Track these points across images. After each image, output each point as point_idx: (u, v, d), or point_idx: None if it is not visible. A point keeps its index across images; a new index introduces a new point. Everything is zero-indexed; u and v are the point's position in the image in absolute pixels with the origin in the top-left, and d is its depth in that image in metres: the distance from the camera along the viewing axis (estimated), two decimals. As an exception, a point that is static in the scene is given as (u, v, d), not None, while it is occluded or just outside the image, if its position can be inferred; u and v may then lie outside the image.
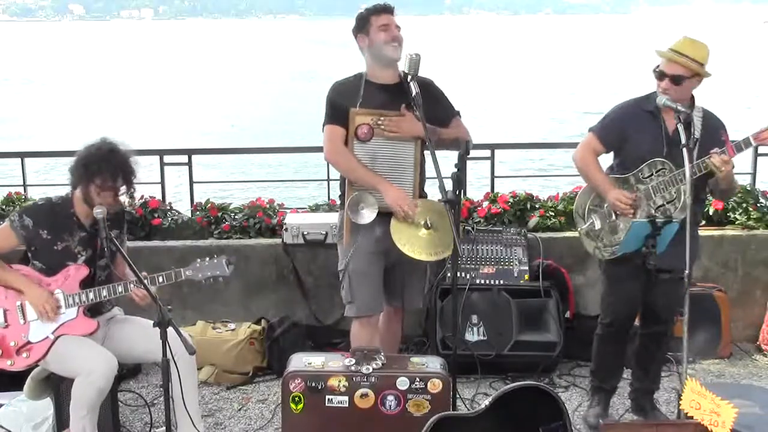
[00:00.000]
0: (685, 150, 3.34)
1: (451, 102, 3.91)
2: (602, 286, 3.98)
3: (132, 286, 3.48)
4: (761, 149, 5.46)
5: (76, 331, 3.50)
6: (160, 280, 3.48)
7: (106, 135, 3.58)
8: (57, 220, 3.53)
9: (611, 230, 3.80)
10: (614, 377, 4.07)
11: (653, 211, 3.65)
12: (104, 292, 3.51)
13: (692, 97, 3.68)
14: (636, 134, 3.72)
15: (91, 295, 3.51)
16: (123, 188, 3.49)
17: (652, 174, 3.67)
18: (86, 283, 3.54)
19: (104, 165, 3.41)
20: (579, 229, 3.97)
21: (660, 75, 3.62)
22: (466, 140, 3.62)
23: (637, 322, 3.99)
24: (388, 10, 3.76)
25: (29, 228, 3.49)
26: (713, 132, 3.61)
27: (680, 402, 2.91)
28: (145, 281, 3.32)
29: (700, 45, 3.60)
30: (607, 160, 3.91)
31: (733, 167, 3.53)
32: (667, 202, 3.63)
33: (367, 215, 3.67)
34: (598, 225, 3.84)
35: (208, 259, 3.55)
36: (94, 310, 3.61)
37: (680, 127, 3.42)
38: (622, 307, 3.86)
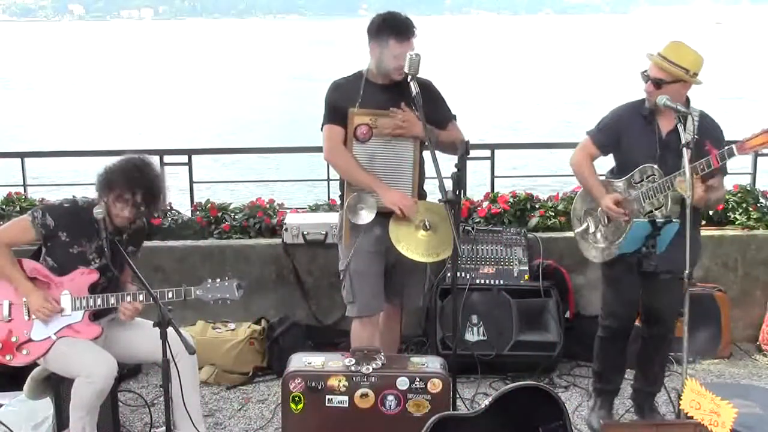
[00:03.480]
0: (685, 150, 3.34)
1: (449, 105, 3.90)
2: (602, 287, 4.00)
3: (129, 298, 3.48)
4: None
5: (79, 335, 3.50)
6: (170, 295, 3.47)
7: (142, 153, 3.59)
8: (79, 224, 3.52)
9: (604, 235, 3.82)
10: (617, 379, 4.07)
11: (642, 218, 3.65)
12: (112, 300, 3.51)
13: (687, 100, 3.67)
14: (630, 138, 3.73)
15: (99, 301, 3.50)
16: (143, 207, 3.47)
17: (642, 180, 3.67)
18: (94, 288, 3.54)
19: (123, 179, 3.41)
20: (574, 231, 4.01)
21: (645, 78, 3.65)
22: (465, 140, 3.61)
23: (638, 323, 4.00)
24: (410, 37, 3.63)
25: (50, 227, 3.48)
26: (706, 138, 3.55)
27: (680, 402, 2.92)
28: (155, 294, 3.32)
29: (686, 51, 3.58)
30: (608, 162, 3.93)
31: (718, 188, 3.52)
32: (655, 209, 3.62)
33: (366, 215, 3.67)
34: (592, 228, 3.88)
35: (219, 280, 3.54)
36: (98, 313, 3.61)
37: (680, 127, 3.42)
38: (620, 307, 3.87)
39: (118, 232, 3.51)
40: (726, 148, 3.40)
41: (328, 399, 3.50)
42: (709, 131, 3.58)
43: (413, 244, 3.67)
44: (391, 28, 3.63)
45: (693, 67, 3.55)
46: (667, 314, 3.84)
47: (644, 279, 3.71)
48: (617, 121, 3.79)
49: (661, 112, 3.65)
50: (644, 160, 3.66)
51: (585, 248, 3.96)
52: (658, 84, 3.58)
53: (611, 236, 3.78)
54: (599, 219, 3.85)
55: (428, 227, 3.68)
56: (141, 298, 3.48)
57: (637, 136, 3.71)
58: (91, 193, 3.56)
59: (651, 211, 3.63)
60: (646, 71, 3.65)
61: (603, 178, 3.89)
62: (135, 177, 3.43)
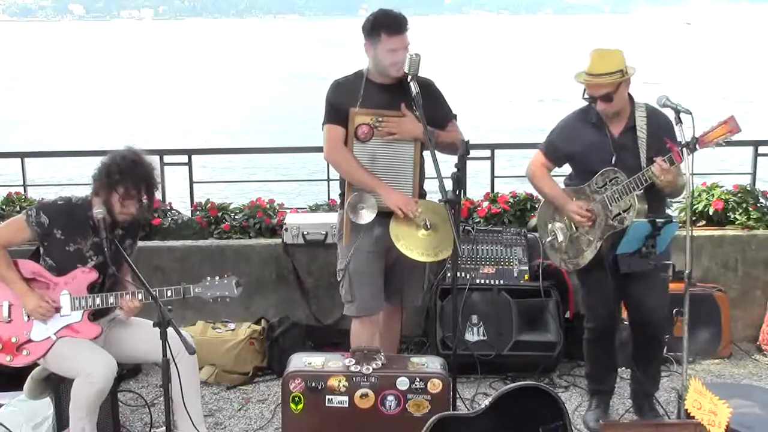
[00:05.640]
0: (685, 150, 3.33)
1: (449, 105, 3.90)
2: (581, 292, 4.02)
3: (128, 297, 3.48)
4: (762, 149, 5.47)
5: (79, 335, 3.50)
6: (169, 294, 3.47)
7: (131, 144, 3.58)
8: (73, 222, 3.52)
9: (573, 242, 3.81)
10: (609, 378, 4.08)
11: (611, 221, 3.65)
12: (111, 299, 3.50)
13: (630, 96, 3.67)
14: (582, 146, 3.73)
15: (98, 301, 3.50)
16: (144, 199, 3.50)
17: (606, 184, 3.66)
18: (94, 288, 3.54)
19: (127, 176, 3.41)
20: (543, 242, 4.01)
21: (591, 99, 3.63)
22: (465, 140, 3.60)
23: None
24: (401, 30, 3.64)
25: (44, 225, 3.48)
26: (658, 132, 3.55)
27: (681, 402, 2.92)
28: (154, 292, 3.32)
29: (609, 55, 3.59)
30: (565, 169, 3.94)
31: (680, 173, 3.46)
32: (623, 211, 3.60)
33: (367, 215, 3.67)
34: (560, 237, 3.88)
35: (218, 278, 3.54)
36: (97, 313, 3.60)
37: (678, 127, 3.41)
38: (600, 309, 3.88)
39: (113, 227, 3.51)
40: (686, 142, 3.34)
41: (328, 399, 3.50)
42: (662, 125, 3.55)
43: (413, 243, 3.67)
44: (382, 23, 3.64)
45: (622, 65, 3.57)
46: (654, 315, 3.81)
47: (624, 281, 3.72)
48: (567, 132, 3.80)
49: (609, 115, 3.63)
50: (601, 164, 3.65)
51: (554, 258, 3.96)
52: (608, 98, 3.56)
53: (578, 245, 3.78)
54: (565, 227, 3.85)
55: (428, 227, 3.67)
56: (140, 297, 3.48)
57: (590, 142, 3.70)
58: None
59: (619, 214, 3.61)
60: (585, 95, 3.63)
61: (562, 185, 3.91)
62: (136, 172, 3.44)
